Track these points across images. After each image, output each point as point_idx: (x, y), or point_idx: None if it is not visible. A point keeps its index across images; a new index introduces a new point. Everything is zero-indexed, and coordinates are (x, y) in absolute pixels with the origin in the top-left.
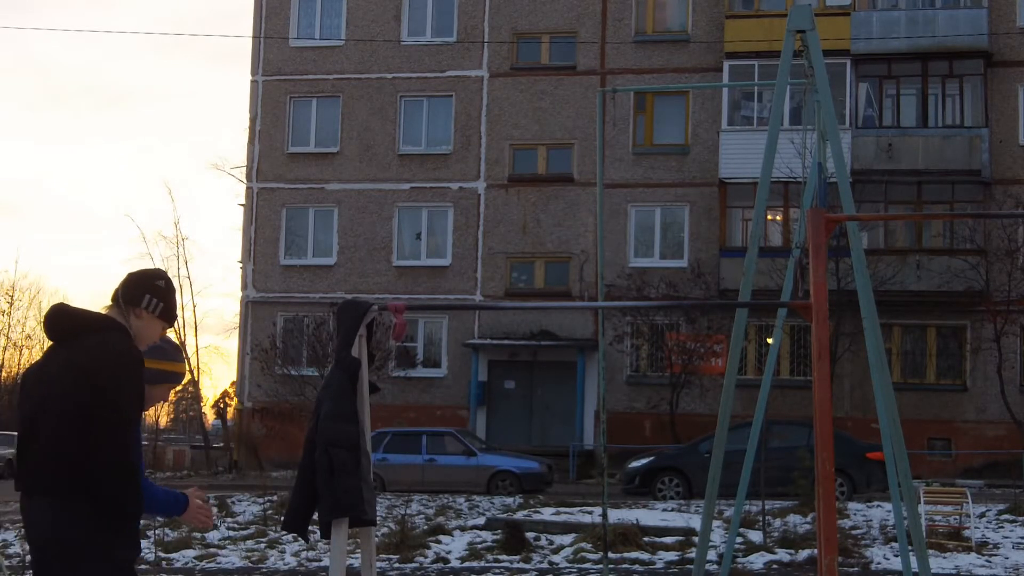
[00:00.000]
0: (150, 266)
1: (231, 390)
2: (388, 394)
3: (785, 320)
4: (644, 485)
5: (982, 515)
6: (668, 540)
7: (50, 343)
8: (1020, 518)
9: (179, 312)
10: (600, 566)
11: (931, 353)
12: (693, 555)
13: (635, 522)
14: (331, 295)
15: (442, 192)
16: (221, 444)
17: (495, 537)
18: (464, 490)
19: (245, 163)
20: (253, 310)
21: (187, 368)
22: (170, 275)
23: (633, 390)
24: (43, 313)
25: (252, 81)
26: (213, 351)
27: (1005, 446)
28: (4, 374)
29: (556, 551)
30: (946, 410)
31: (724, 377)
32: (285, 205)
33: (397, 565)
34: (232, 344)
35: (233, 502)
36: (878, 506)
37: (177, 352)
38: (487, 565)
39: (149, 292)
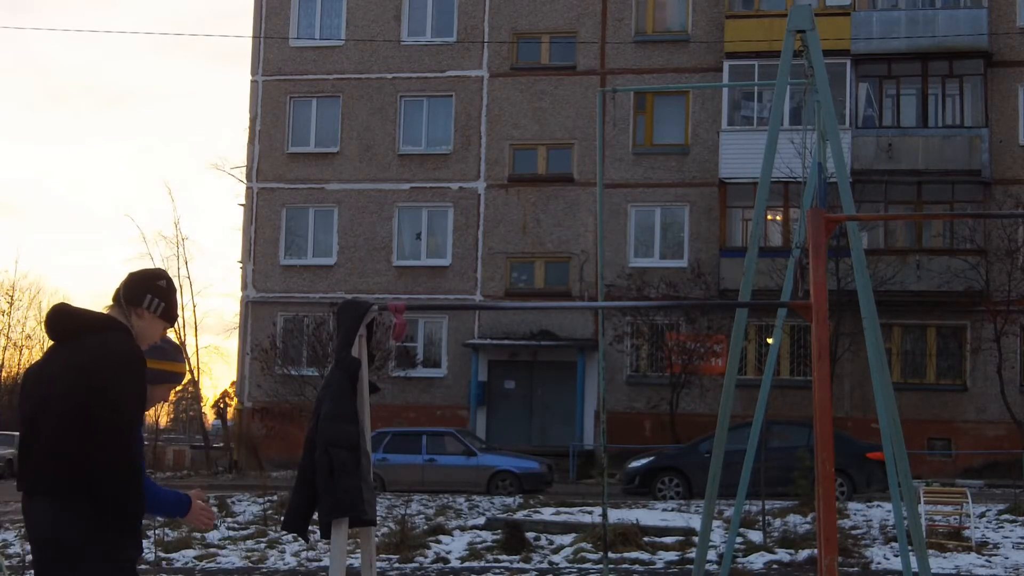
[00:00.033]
0: (150, 266)
1: (231, 390)
2: (388, 394)
3: (785, 320)
4: (644, 485)
5: (982, 515)
6: (668, 540)
7: (51, 343)
8: (1020, 518)
9: (179, 312)
10: (600, 566)
11: (931, 353)
12: (693, 555)
13: (635, 522)
14: (331, 295)
15: (442, 192)
16: (221, 444)
17: (495, 537)
18: (464, 490)
19: (245, 163)
20: (253, 310)
21: (187, 368)
22: (170, 275)
23: (633, 390)
24: (44, 313)
25: (252, 81)
26: (213, 351)
27: (1005, 446)
28: (4, 374)
29: (556, 551)
30: (946, 410)
31: (724, 377)
32: (285, 205)
33: (397, 565)
34: (232, 344)
35: (233, 502)
36: (878, 506)
37: (177, 352)
38: (487, 565)
39: (151, 292)
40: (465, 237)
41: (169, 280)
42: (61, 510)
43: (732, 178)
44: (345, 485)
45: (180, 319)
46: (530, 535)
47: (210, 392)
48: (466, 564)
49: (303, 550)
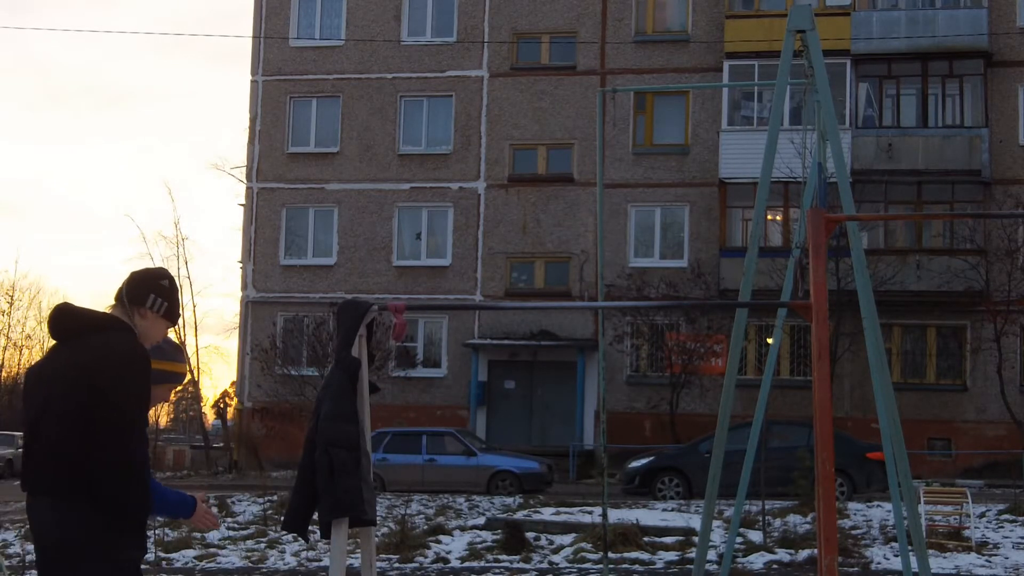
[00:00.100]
0: (152, 266)
1: (231, 390)
2: (388, 394)
3: (785, 320)
4: (644, 485)
5: (982, 515)
6: (668, 540)
7: (53, 343)
8: (1020, 518)
9: (181, 311)
10: (600, 566)
11: (931, 353)
12: (693, 555)
13: (635, 522)
14: (331, 295)
15: (442, 192)
16: (221, 444)
17: (495, 537)
18: (464, 490)
19: (245, 163)
20: (253, 310)
21: (187, 368)
22: (172, 275)
23: (633, 390)
24: (44, 313)
25: (252, 81)
26: (213, 351)
27: (1005, 446)
28: (4, 374)
29: (556, 551)
30: (946, 410)
31: (724, 377)
32: (285, 205)
33: (397, 565)
34: (232, 344)
35: (233, 502)
36: (878, 506)
37: (177, 352)
38: (487, 565)
39: (153, 292)
40: (465, 237)
41: (171, 279)
42: (62, 510)
43: (732, 178)
44: (345, 485)
45: (181, 319)
46: (530, 535)
47: (210, 392)
48: (466, 564)
49: (303, 550)
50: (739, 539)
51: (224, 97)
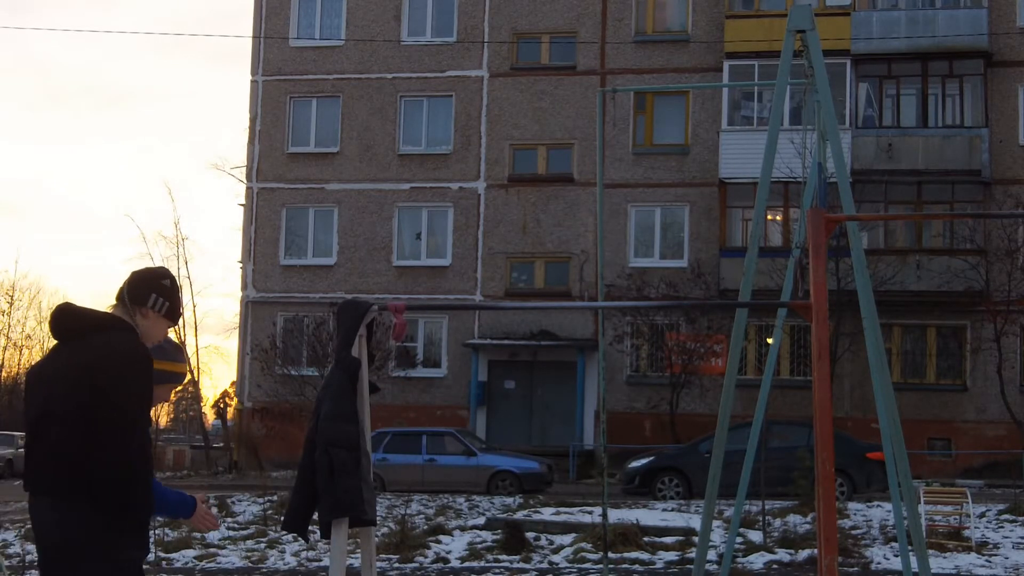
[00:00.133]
0: (153, 265)
1: (231, 390)
2: (388, 394)
3: (785, 320)
4: (644, 485)
5: (982, 515)
6: (668, 540)
7: (55, 342)
8: (1020, 518)
9: (182, 311)
10: (600, 566)
11: (931, 353)
12: (693, 555)
13: (635, 522)
14: (331, 295)
15: (442, 192)
16: (221, 444)
17: (495, 537)
18: (464, 490)
19: (245, 163)
20: (253, 310)
21: (188, 368)
22: (173, 274)
23: (633, 390)
24: (44, 313)
25: (252, 81)
26: (213, 351)
27: (1005, 446)
28: (4, 374)
29: (556, 551)
30: (946, 410)
31: (724, 377)
32: (285, 205)
33: (397, 565)
34: (232, 344)
35: (233, 502)
36: (878, 506)
37: (178, 352)
38: (487, 565)
39: (155, 291)
40: (465, 237)
41: (173, 279)
42: (62, 510)
43: (732, 178)
44: (345, 485)
45: (181, 318)
46: (530, 535)
47: (210, 392)
48: (466, 564)
49: (303, 550)
50: (739, 539)
51: (224, 97)
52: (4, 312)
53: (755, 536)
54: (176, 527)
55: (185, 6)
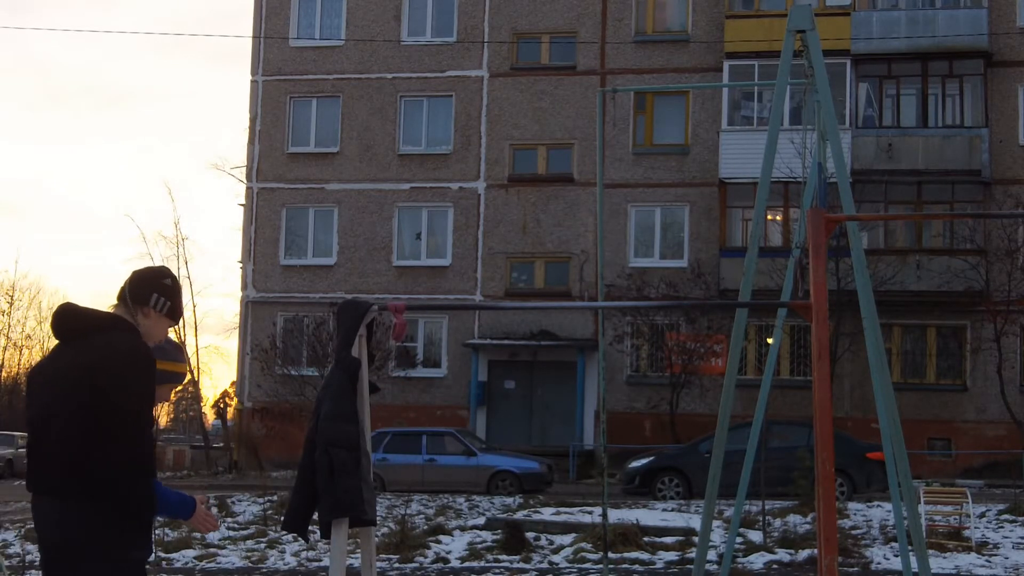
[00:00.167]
0: (154, 264)
1: (231, 390)
2: (388, 394)
3: (785, 320)
4: (644, 485)
5: (982, 515)
6: (668, 540)
7: (56, 343)
8: (1020, 518)
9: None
10: (600, 566)
11: (931, 353)
12: (693, 555)
13: (635, 522)
14: (331, 295)
15: (442, 192)
16: (221, 444)
17: (495, 537)
18: (464, 490)
19: (245, 163)
20: (253, 310)
21: (188, 368)
22: (174, 273)
23: (633, 390)
24: (44, 313)
25: (252, 81)
26: (213, 351)
27: (1005, 446)
28: (4, 374)
29: (556, 551)
30: (946, 410)
31: (724, 377)
32: (285, 205)
33: (397, 565)
34: (232, 344)
35: (233, 502)
36: (878, 506)
37: (178, 352)
38: (487, 565)
39: (157, 291)
40: (465, 237)
41: (174, 278)
42: (63, 510)
43: (732, 178)
44: (345, 485)
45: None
46: (530, 535)
47: (210, 392)
48: (466, 564)
49: (303, 550)
50: (739, 539)
51: (224, 97)
52: (4, 312)
53: (755, 536)
54: (176, 527)
55: (185, 6)
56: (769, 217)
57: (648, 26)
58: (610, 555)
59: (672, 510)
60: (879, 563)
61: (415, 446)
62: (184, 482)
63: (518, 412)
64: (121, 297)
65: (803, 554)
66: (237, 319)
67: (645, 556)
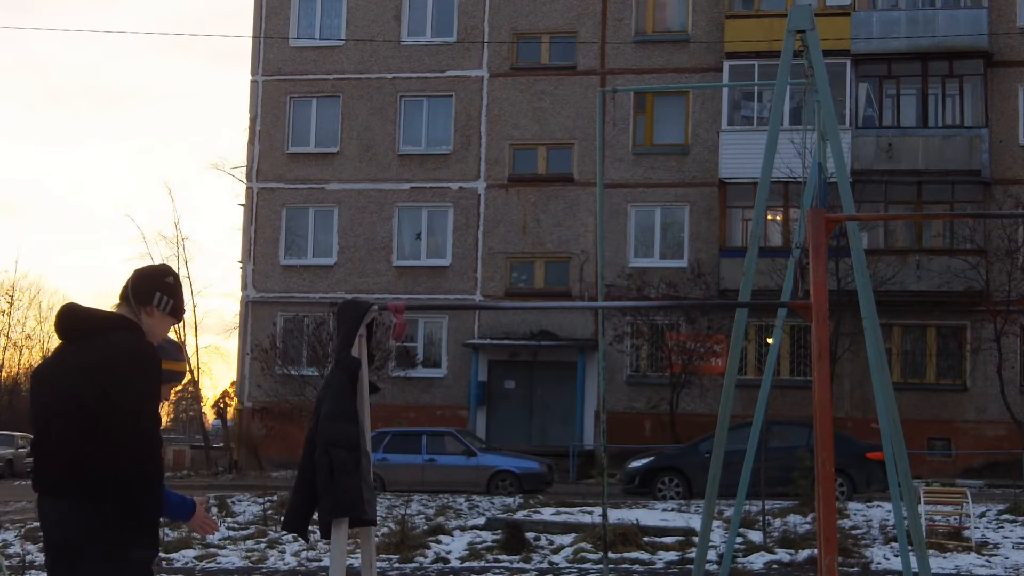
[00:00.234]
0: (156, 263)
1: (231, 390)
2: (388, 394)
3: (785, 320)
4: (644, 485)
5: (982, 515)
6: (668, 540)
7: (60, 343)
8: (1020, 518)
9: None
10: (600, 566)
11: (931, 353)
12: (693, 555)
13: (635, 522)
14: (331, 295)
15: (442, 192)
16: (221, 444)
17: (495, 537)
18: (464, 490)
19: (245, 163)
20: (253, 310)
21: (187, 367)
22: (176, 271)
23: (633, 390)
24: (44, 313)
25: (252, 81)
26: (213, 351)
27: (1005, 446)
28: (4, 374)
29: (556, 551)
30: (946, 410)
31: (724, 377)
32: (285, 205)
33: (397, 565)
34: (232, 344)
35: (233, 502)
36: (878, 506)
37: (178, 351)
38: (487, 565)
39: (159, 289)
40: (465, 237)
41: (176, 276)
42: (63, 509)
43: (732, 178)
44: (345, 485)
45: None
46: (530, 535)
47: (210, 392)
48: (466, 564)
49: (303, 550)
50: (739, 539)
51: (224, 97)
52: (4, 312)
53: (755, 536)
54: (176, 527)
55: (185, 6)
56: (769, 217)
57: (648, 26)
58: (610, 555)
59: (672, 510)
60: (879, 563)
61: (415, 446)
62: (184, 482)
63: (518, 412)
64: (124, 296)
65: (803, 554)
66: (237, 319)
67: (645, 556)
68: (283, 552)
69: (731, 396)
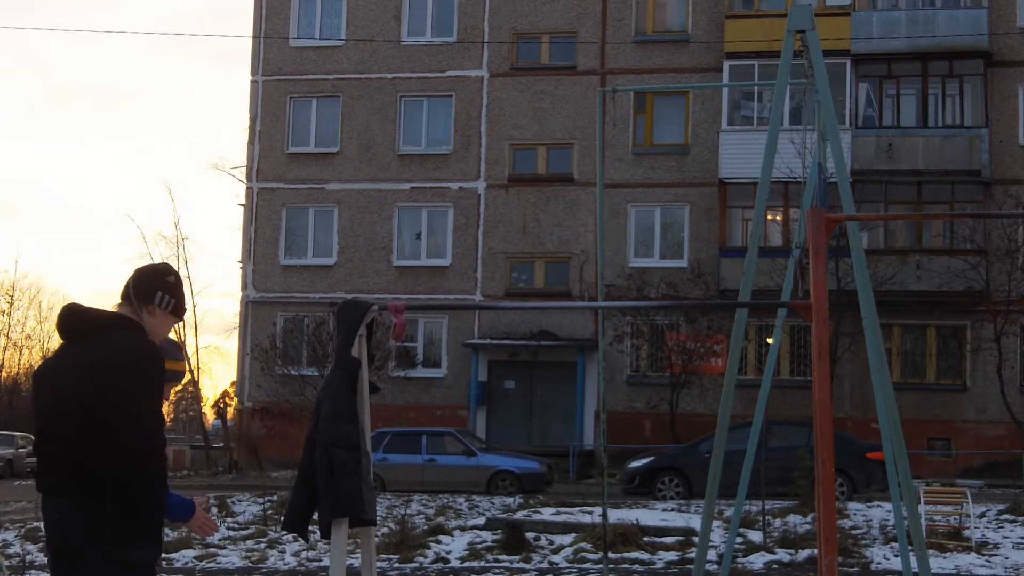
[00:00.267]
0: (156, 261)
1: (231, 390)
2: (388, 394)
3: (785, 320)
4: (644, 485)
5: (982, 515)
6: (668, 540)
7: (61, 343)
8: (1020, 518)
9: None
10: (600, 566)
11: (931, 353)
12: (693, 555)
13: (635, 522)
14: (331, 295)
15: (442, 192)
16: (221, 444)
17: (495, 537)
18: (464, 490)
19: (245, 163)
20: (253, 310)
21: (187, 367)
22: (176, 269)
23: (633, 390)
24: (45, 313)
25: (252, 81)
26: (213, 351)
27: (1005, 446)
28: (4, 374)
29: (556, 551)
30: (946, 410)
31: (724, 377)
32: (285, 205)
33: (397, 565)
34: (232, 344)
35: (233, 502)
36: (878, 506)
37: (178, 351)
38: (487, 565)
39: (161, 288)
40: (465, 237)
41: (177, 275)
42: (63, 509)
43: (732, 178)
44: (345, 485)
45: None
46: (530, 535)
47: (210, 392)
48: (466, 564)
49: (303, 550)
50: (739, 539)
51: (224, 97)
52: (4, 312)
53: (755, 536)
54: (176, 527)
55: (185, 6)
56: (769, 217)
57: (648, 26)
58: (610, 555)
59: (672, 510)
60: (879, 563)
61: (415, 446)
62: (184, 482)
63: (518, 412)
64: (125, 296)
65: (803, 554)
66: (237, 319)
67: (645, 556)
68: (283, 552)
69: (731, 396)
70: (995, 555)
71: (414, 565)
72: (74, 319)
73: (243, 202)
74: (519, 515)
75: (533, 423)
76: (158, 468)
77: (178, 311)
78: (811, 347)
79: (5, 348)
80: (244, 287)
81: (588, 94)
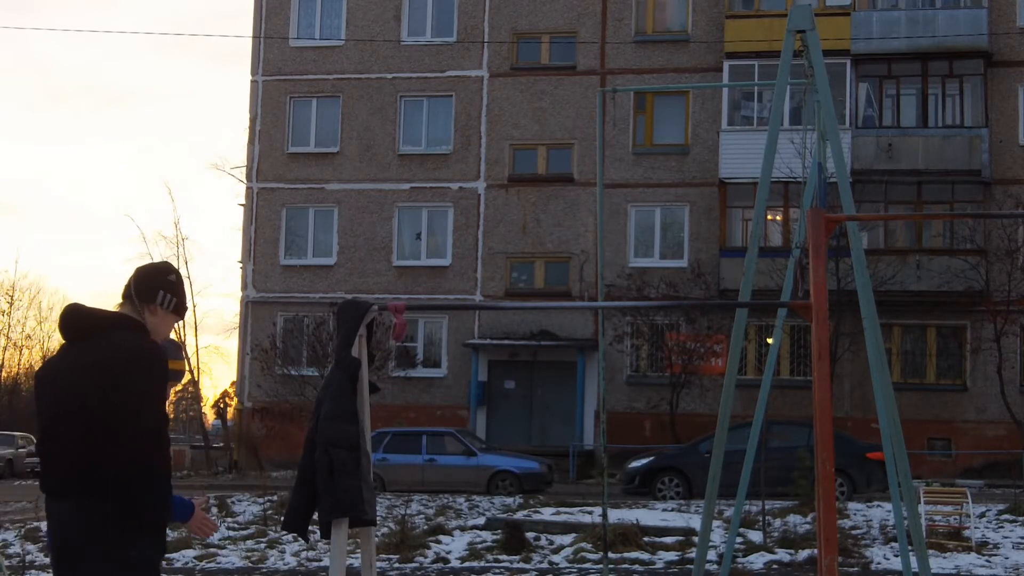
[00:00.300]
0: (157, 261)
1: (231, 390)
2: (388, 394)
3: (785, 320)
4: (644, 485)
5: (982, 515)
6: (668, 540)
7: (63, 343)
8: (1020, 518)
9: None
10: (600, 566)
11: (931, 353)
12: (693, 555)
13: (635, 522)
14: (331, 295)
15: (442, 192)
16: (221, 444)
17: (495, 537)
18: (464, 490)
19: (245, 163)
20: (253, 310)
21: (187, 367)
22: (177, 268)
23: (633, 390)
24: (45, 313)
25: (252, 81)
26: (213, 351)
27: (1005, 446)
28: (4, 374)
29: (556, 551)
30: (946, 410)
31: (724, 377)
32: (285, 205)
33: (397, 565)
34: (232, 344)
35: (233, 502)
36: (878, 506)
37: (178, 350)
38: (487, 565)
39: (162, 288)
40: (465, 237)
41: (178, 274)
42: (65, 509)
43: (732, 178)
44: (345, 485)
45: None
46: (530, 535)
47: (210, 392)
48: (466, 564)
49: (303, 550)
50: (739, 539)
51: (224, 97)
52: (4, 312)
53: (755, 536)
54: (176, 527)
55: (185, 6)
56: (769, 217)
57: (648, 26)
58: (610, 555)
59: (672, 510)
60: (879, 563)
61: (415, 446)
62: (184, 482)
63: (518, 412)
64: (126, 295)
65: (803, 554)
66: (237, 319)
67: (645, 556)
68: (283, 552)
69: (731, 396)
70: (995, 555)
71: (414, 565)
72: (76, 319)
73: (243, 202)
74: (519, 515)
75: (533, 423)
76: (161, 469)
77: (180, 310)
78: (811, 347)
79: (5, 348)
80: (244, 287)
81: (588, 94)
